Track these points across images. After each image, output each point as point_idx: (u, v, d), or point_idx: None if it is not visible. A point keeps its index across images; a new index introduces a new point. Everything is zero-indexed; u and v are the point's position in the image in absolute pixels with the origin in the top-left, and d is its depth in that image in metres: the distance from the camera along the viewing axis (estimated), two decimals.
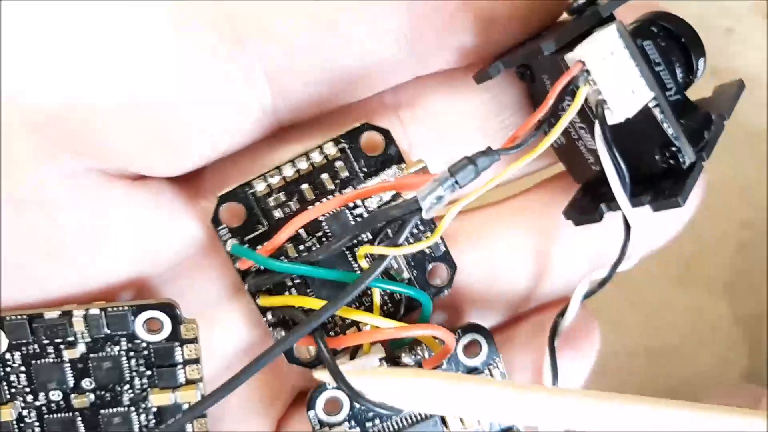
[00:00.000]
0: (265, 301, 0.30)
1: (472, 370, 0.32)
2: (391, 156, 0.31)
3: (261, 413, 0.33)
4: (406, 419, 0.32)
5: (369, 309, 0.31)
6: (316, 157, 0.31)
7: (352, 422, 0.32)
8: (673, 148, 0.28)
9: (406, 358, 0.32)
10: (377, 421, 0.32)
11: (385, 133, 0.31)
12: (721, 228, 0.51)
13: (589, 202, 0.32)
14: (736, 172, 0.51)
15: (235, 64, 0.28)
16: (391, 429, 0.32)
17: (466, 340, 0.32)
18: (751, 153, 0.51)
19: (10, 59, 0.27)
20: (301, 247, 0.31)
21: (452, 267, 0.32)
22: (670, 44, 0.30)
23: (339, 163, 0.31)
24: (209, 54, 0.28)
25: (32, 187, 0.28)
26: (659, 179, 0.29)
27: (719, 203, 0.50)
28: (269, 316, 0.31)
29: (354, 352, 0.31)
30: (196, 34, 0.28)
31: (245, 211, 0.31)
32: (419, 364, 0.32)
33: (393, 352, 0.32)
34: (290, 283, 0.31)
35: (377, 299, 0.31)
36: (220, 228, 0.31)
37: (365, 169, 0.31)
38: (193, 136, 0.29)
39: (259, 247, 0.31)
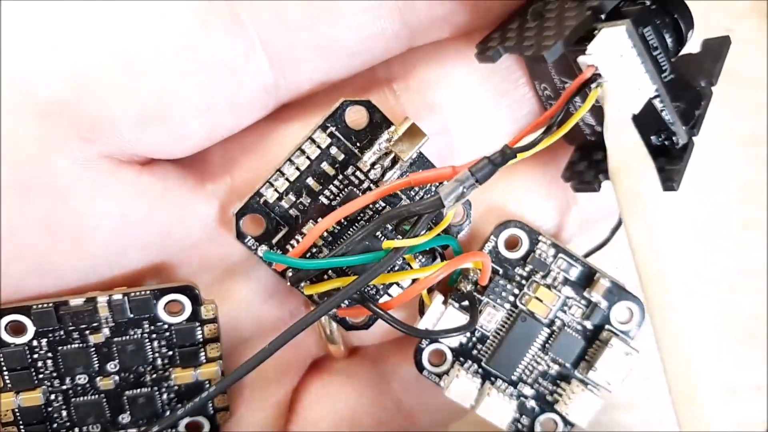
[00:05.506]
0: (309, 289, 0.31)
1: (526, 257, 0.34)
2: (378, 123, 0.31)
3: (277, 383, 0.35)
4: (498, 331, 0.34)
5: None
6: (310, 149, 0.31)
7: (460, 359, 0.34)
8: (668, 131, 0.30)
9: (463, 286, 0.33)
10: (478, 345, 0.34)
11: (366, 104, 0.31)
12: (722, 228, 0.51)
13: (586, 169, 0.33)
14: (736, 172, 0.51)
15: (234, 42, 0.28)
16: (493, 344, 0.34)
17: (504, 237, 0.34)
18: (752, 153, 0.51)
19: (13, 48, 0.27)
20: (327, 236, 0.32)
21: (467, 204, 0.33)
22: (663, 21, 0.30)
23: (334, 149, 0.31)
24: (208, 33, 0.28)
25: (44, 175, 0.28)
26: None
27: (719, 203, 0.51)
28: (316, 298, 0.32)
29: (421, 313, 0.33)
30: (194, 13, 0.28)
31: (263, 219, 0.31)
32: (476, 283, 0.33)
33: (451, 288, 0.34)
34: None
35: (415, 264, 0.33)
36: (246, 240, 0.31)
37: (359, 144, 0.31)
38: (197, 115, 0.29)
39: (289, 248, 0.32)
